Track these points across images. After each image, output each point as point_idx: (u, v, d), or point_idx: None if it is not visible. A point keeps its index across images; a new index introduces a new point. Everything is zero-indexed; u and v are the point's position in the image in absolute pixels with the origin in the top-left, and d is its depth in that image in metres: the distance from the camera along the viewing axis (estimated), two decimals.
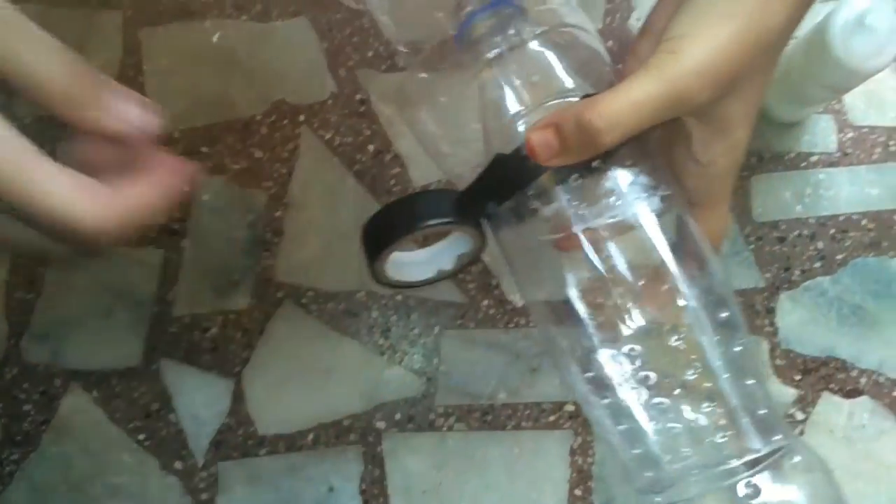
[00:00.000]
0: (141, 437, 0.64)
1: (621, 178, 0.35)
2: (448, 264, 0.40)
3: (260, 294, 0.66)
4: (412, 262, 0.40)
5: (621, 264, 0.35)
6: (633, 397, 0.35)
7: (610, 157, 0.35)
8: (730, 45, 0.32)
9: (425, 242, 0.41)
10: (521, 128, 0.36)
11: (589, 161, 0.35)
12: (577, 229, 0.35)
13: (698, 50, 0.32)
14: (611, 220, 0.35)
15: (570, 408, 0.64)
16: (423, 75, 0.40)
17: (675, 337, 0.34)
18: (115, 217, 0.27)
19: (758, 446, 0.34)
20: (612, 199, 0.35)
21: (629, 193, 0.35)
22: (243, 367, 0.65)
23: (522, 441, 0.64)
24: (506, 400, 0.65)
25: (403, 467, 0.64)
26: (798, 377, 0.66)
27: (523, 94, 0.37)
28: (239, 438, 0.64)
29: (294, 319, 0.66)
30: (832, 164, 0.69)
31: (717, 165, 0.36)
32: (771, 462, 0.34)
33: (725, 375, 0.35)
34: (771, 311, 0.67)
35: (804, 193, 0.68)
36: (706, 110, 0.33)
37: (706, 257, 0.36)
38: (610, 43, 0.69)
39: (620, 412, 0.35)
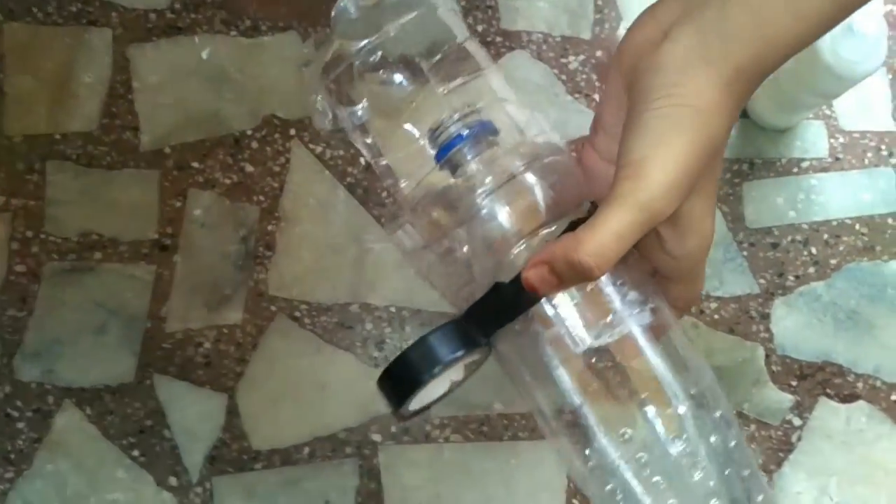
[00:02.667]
0: (135, 453, 0.64)
1: (614, 297, 0.38)
2: (459, 375, 0.42)
3: (253, 308, 0.66)
4: (428, 389, 0.41)
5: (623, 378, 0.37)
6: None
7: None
8: (686, 159, 0.34)
9: None
10: (512, 257, 0.38)
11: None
12: (578, 351, 0.37)
13: (660, 171, 0.34)
14: (609, 340, 0.37)
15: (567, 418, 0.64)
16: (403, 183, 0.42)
17: (680, 443, 0.36)
18: None
19: None
20: (609, 318, 0.37)
21: (622, 311, 0.38)
22: (237, 381, 0.65)
23: (519, 451, 0.64)
24: (502, 410, 0.65)
25: (400, 480, 0.64)
26: (794, 382, 0.66)
27: (514, 225, 0.39)
28: (234, 453, 0.64)
29: (287, 333, 0.65)
30: (824, 170, 0.69)
31: (693, 255, 0.38)
32: None
33: (727, 472, 0.37)
34: (766, 317, 0.67)
35: (797, 199, 0.68)
36: (674, 214, 0.36)
37: (694, 363, 0.38)
38: (599, 53, 0.70)
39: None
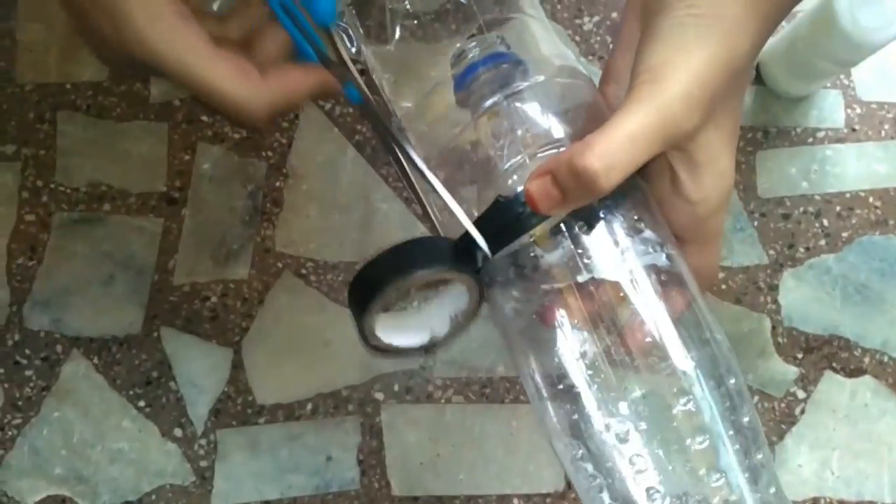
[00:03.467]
0: (141, 403, 0.65)
1: (625, 230, 0.35)
2: (442, 327, 0.37)
3: (259, 264, 0.66)
4: (402, 325, 0.37)
5: (620, 328, 0.34)
6: (631, 478, 0.33)
7: (615, 206, 0.35)
8: (708, 69, 0.32)
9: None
10: (515, 176, 0.36)
11: (593, 209, 0.34)
12: (583, 278, 0.34)
13: (681, 75, 0.32)
14: (616, 274, 0.34)
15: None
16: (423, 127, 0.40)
17: (683, 401, 0.33)
18: (262, 96, 0.33)
19: None
20: (619, 251, 0.34)
21: (636, 246, 0.34)
22: (243, 336, 0.65)
23: (520, 414, 0.64)
24: (504, 373, 0.65)
25: (401, 438, 0.64)
26: (800, 355, 0.66)
27: (519, 144, 0.36)
28: (238, 407, 0.65)
29: (294, 290, 0.66)
30: (839, 141, 0.67)
31: (710, 201, 0.35)
32: None
33: (735, 448, 0.33)
34: (774, 289, 0.66)
35: (810, 170, 0.67)
36: (689, 144, 0.33)
37: (710, 323, 0.35)
38: (615, 14, 0.69)
39: (617, 494, 0.33)
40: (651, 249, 0.35)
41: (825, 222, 0.67)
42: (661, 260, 0.34)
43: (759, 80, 0.68)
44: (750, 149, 0.67)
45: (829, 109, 0.68)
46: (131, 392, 0.65)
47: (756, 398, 0.65)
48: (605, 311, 0.34)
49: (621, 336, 0.34)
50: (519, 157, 0.36)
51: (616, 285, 0.34)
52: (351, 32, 0.41)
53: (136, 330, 0.65)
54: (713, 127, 0.33)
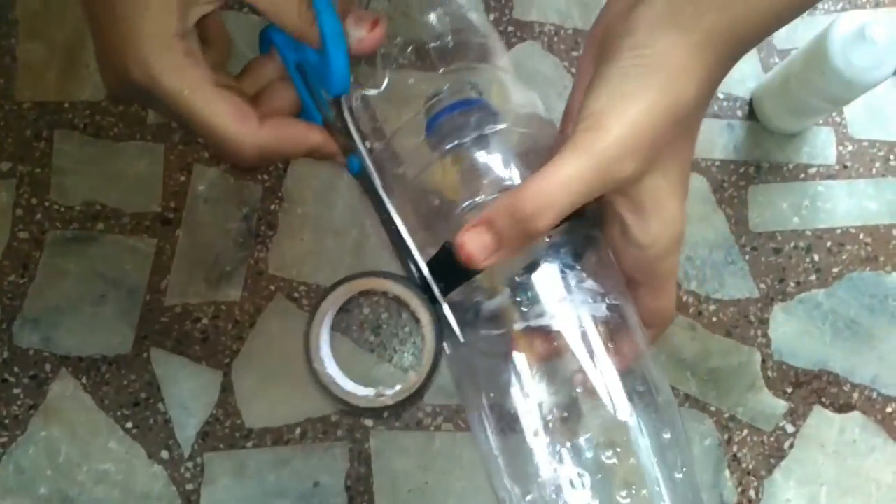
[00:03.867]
0: (128, 425, 0.64)
1: (567, 279, 0.35)
2: (391, 385, 0.39)
3: (252, 287, 0.66)
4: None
5: (560, 377, 0.34)
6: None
7: (557, 255, 0.35)
8: (648, 117, 0.33)
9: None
10: (468, 218, 0.36)
11: (535, 256, 0.35)
12: (518, 326, 0.34)
13: (618, 123, 0.32)
14: (552, 321, 0.34)
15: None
16: (399, 170, 0.41)
17: (610, 453, 0.33)
18: (255, 141, 0.35)
19: None
20: (558, 300, 0.35)
21: (575, 296, 0.35)
22: (233, 358, 0.65)
23: None
24: None
25: (390, 465, 0.64)
26: (790, 390, 0.66)
27: (476, 187, 0.37)
28: (226, 430, 0.64)
29: (285, 313, 0.66)
30: (831, 177, 0.68)
31: (658, 245, 0.35)
32: None
33: (672, 496, 0.33)
34: (764, 323, 0.66)
35: (802, 205, 0.68)
36: (633, 190, 0.34)
37: (650, 369, 0.36)
38: None
39: None
40: (591, 299, 0.35)
41: (816, 257, 0.67)
42: (601, 310, 0.35)
43: (752, 115, 0.68)
44: (742, 183, 0.68)
45: (821, 146, 0.68)
46: (119, 413, 0.64)
47: (745, 432, 0.65)
48: (547, 360, 0.34)
49: (564, 385, 0.34)
50: (475, 199, 0.37)
51: (557, 334, 0.34)
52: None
53: (125, 350, 0.65)
54: (659, 173, 0.34)
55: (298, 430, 0.64)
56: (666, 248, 0.36)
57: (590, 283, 0.35)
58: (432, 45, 0.42)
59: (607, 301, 0.35)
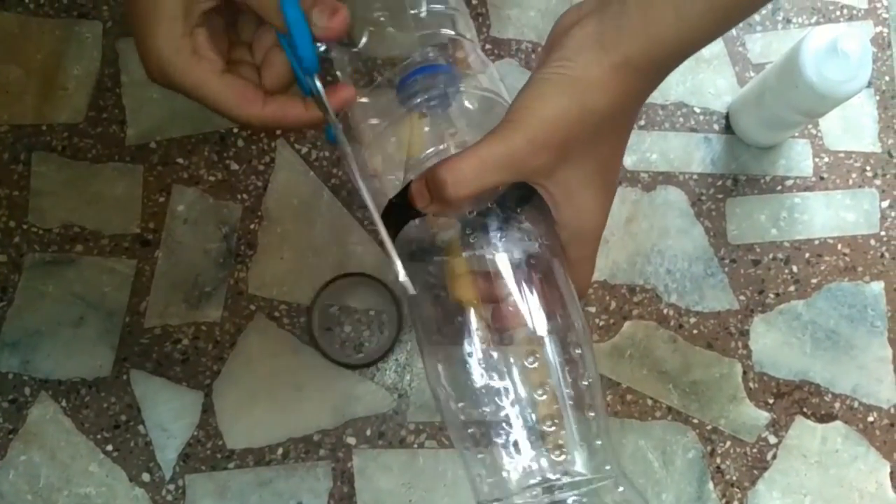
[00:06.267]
0: (109, 447, 0.64)
1: (509, 222, 0.42)
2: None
3: (232, 306, 0.65)
4: None
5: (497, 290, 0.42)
6: (487, 402, 0.40)
7: (506, 205, 0.42)
8: (557, 118, 0.38)
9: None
10: (428, 164, 0.43)
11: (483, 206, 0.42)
12: (466, 253, 0.42)
13: (532, 120, 0.38)
14: (493, 252, 0.41)
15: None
16: (374, 121, 0.48)
17: (531, 359, 0.41)
18: (259, 120, 0.41)
19: (585, 471, 0.40)
20: (498, 234, 0.42)
21: (513, 234, 0.42)
22: (214, 379, 0.65)
23: None
24: None
25: (373, 484, 0.64)
26: (771, 400, 0.66)
27: (436, 139, 0.44)
28: (208, 451, 0.64)
29: (266, 333, 0.65)
30: (808, 189, 0.69)
31: (570, 229, 0.42)
32: (595, 488, 0.40)
33: (570, 403, 0.40)
34: (745, 334, 0.67)
35: (779, 217, 0.68)
36: (548, 180, 0.40)
37: (568, 303, 0.43)
38: None
39: (473, 417, 0.41)
40: (527, 238, 0.42)
41: (795, 269, 0.68)
42: (534, 247, 0.42)
43: (728, 129, 0.69)
44: (720, 196, 0.68)
45: (798, 158, 0.69)
46: (99, 436, 0.64)
47: (728, 443, 0.65)
48: (485, 283, 0.42)
49: (500, 304, 0.41)
50: (433, 149, 0.44)
51: (492, 262, 0.41)
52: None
53: (105, 373, 0.65)
54: (572, 168, 0.40)
55: (280, 451, 0.64)
56: (576, 234, 0.42)
57: (526, 225, 0.42)
58: (411, 11, 0.48)
59: (540, 241, 0.42)
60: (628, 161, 0.68)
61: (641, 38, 0.38)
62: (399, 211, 0.42)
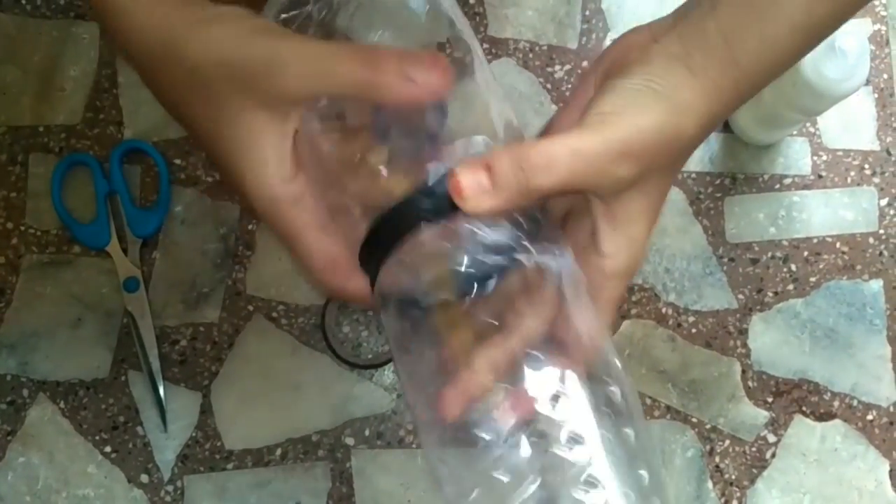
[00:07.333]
0: (107, 449, 0.64)
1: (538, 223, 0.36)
2: None
3: (230, 307, 0.65)
4: None
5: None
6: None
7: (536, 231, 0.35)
8: (650, 129, 0.34)
9: None
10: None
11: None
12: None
13: (625, 124, 0.34)
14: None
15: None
16: None
17: (558, 411, 0.33)
18: (336, 294, 0.38)
19: None
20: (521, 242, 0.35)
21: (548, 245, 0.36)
22: (212, 380, 0.65)
23: None
24: None
25: (372, 484, 0.64)
26: (770, 399, 0.66)
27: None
28: (206, 452, 0.64)
29: (264, 333, 0.65)
30: (806, 187, 0.69)
31: (615, 260, 0.36)
32: None
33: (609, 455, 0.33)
34: (743, 333, 0.67)
35: (778, 215, 0.68)
36: (613, 198, 0.35)
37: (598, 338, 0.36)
38: (585, 63, 0.70)
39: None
40: (559, 252, 0.36)
41: (793, 267, 0.68)
42: (568, 264, 0.36)
43: (727, 127, 0.69)
44: (718, 194, 0.68)
45: (796, 157, 0.69)
46: (97, 437, 0.64)
47: (727, 442, 0.65)
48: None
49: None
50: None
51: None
52: None
53: (103, 374, 0.65)
54: (638, 192, 0.35)
55: (279, 451, 0.64)
56: (619, 268, 0.37)
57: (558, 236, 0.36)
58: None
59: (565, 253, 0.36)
60: None
61: (727, 65, 0.35)
62: (391, 231, 0.34)
